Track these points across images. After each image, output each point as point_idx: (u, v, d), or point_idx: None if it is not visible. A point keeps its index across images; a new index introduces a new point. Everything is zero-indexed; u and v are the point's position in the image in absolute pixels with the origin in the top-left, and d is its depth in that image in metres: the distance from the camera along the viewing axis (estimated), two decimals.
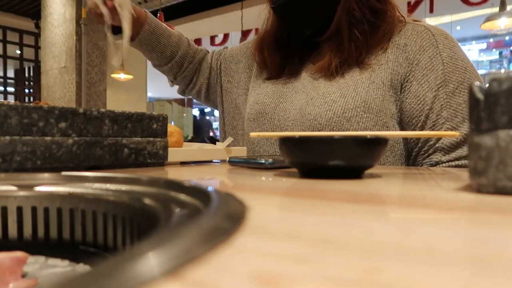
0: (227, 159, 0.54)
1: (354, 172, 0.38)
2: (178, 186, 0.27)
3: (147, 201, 0.25)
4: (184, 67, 0.91)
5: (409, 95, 0.65)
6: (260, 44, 0.82)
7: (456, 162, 0.61)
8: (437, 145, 0.62)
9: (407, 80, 0.65)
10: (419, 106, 0.63)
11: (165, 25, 0.86)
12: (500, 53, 6.52)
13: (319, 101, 0.68)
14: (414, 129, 0.65)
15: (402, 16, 0.71)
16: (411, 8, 3.96)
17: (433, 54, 0.64)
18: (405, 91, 0.65)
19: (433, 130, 0.63)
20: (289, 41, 0.79)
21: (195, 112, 9.59)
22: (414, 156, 0.66)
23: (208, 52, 0.96)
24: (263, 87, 0.81)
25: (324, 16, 0.71)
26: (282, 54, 0.80)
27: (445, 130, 0.61)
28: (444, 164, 0.62)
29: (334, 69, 0.69)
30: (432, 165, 0.63)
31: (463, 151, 0.61)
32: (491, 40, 6.36)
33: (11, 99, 6.25)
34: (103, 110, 0.46)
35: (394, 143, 0.66)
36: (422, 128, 0.64)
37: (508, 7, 2.81)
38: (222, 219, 0.18)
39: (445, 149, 0.62)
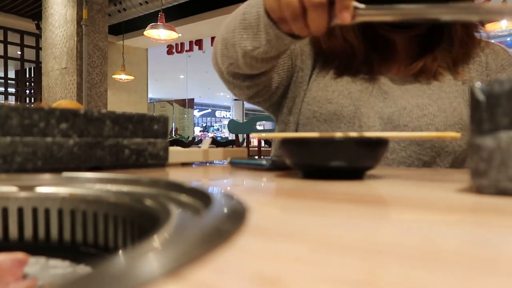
0: (228, 160, 0.54)
1: (355, 173, 0.38)
2: (179, 187, 0.27)
3: (148, 202, 0.25)
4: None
5: None
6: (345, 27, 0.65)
7: None
8: None
9: None
10: None
11: None
12: None
13: (416, 113, 0.62)
14: None
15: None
16: None
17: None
18: None
19: None
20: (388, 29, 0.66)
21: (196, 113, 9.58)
22: None
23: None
24: (331, 84, 0.68)
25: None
26: (367, 43, 0.66)
27: None
28: None
29: (434, 73, 0.64)
30: None
31: None
32: (493, 41, 6.35)
33: (11, 100, 6.26)
34: (104, 111, 0.46)
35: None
36: None
37: None
38: (223, 220, 0.18)
39: None
